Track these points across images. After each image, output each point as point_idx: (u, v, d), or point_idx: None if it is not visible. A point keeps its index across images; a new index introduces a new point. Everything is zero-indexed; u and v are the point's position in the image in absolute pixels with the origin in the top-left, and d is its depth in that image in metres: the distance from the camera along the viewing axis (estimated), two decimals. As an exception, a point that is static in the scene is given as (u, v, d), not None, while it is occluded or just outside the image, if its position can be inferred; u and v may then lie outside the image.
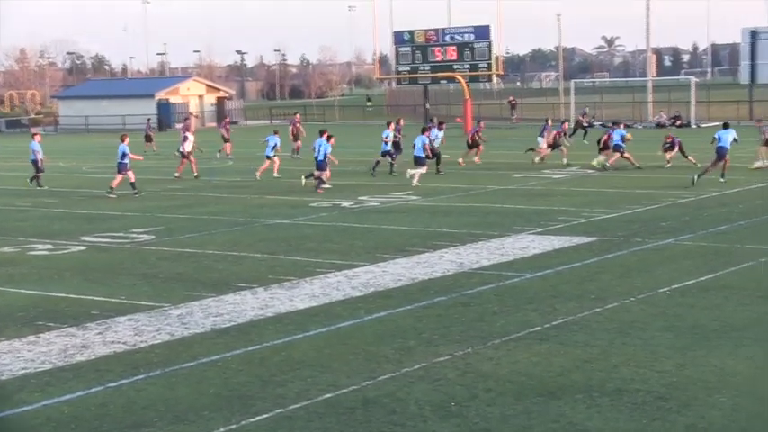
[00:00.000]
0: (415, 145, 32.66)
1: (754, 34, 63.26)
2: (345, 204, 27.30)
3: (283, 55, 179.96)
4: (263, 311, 14.54)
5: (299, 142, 45.37)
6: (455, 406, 10.20)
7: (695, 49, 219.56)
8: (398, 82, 75.36)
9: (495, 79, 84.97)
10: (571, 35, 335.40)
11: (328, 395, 10.62)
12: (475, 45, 66.75)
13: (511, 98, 78.27)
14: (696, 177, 28.81)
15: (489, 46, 66.46)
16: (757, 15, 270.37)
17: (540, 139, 39.24)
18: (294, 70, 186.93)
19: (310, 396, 10.59)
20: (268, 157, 35.84)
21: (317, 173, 30.89)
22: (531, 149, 39.61)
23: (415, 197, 28.64)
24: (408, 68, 69.78)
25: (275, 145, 36.11)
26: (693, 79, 71.49)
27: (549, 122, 40.95)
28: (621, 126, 36.62)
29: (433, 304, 14.83)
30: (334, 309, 14.68)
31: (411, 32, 69.78)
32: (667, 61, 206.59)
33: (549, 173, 34.54)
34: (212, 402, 10.47)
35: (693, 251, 18.54)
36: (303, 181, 31.56)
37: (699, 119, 64.11)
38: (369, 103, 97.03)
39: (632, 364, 11.43)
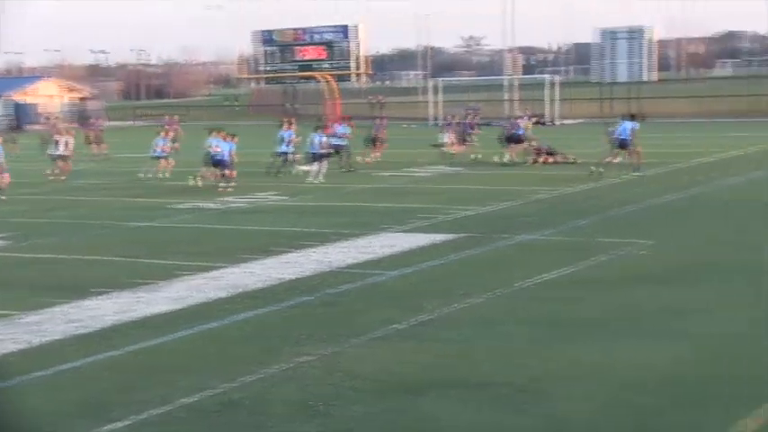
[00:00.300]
0: (310, 142, 32.82)
1: (609, 34, 64.89)
2: (211, 205, 27.02)
3: (147, 54, 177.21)
4: (124, 316, 14.24)
5: (177, 144, 44.28)
6: (321, 406, 10.18)
7: (556, 47, 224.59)
8: (265, 81, 75.05)
9: (361, 78, 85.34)
10: (436, 34, 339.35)
11: (192, 399, 10.47)
12: (340, 44, 66.99)
13: (378, 96, 78.74)
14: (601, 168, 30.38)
15: (355, 45, 66.79)
16: (613, 15, 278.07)
17: (442, 135, 39.27)
18: (156, 70, 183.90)
19: (173, 400, 10.42)
20: (159, 157, 35.22)
21: (227, 172, 30.68)
22: (439, 146, 39.35)
23: (281, 197, 28.52)
24: (274, 68, 69.55)
25: (162, 144, 35.62)
26: (557, 78, 73.20)
27: (451, 118, 41.31)
28: (525, 119, 37.34)
29: (299, 304, 14.79)
30: (199, 311, 14.49)
31: (276, 31, 69.57)
32: (529, 60, 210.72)
33: (417, 171, 34.84)
34: (70, 411, 10.21)
35: (553, 246, 18.93)
36: (199, 180, 31.18)
37: (559, 116, 65.60)
38: (236, 103, 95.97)
39: (494, 358, 11.61)
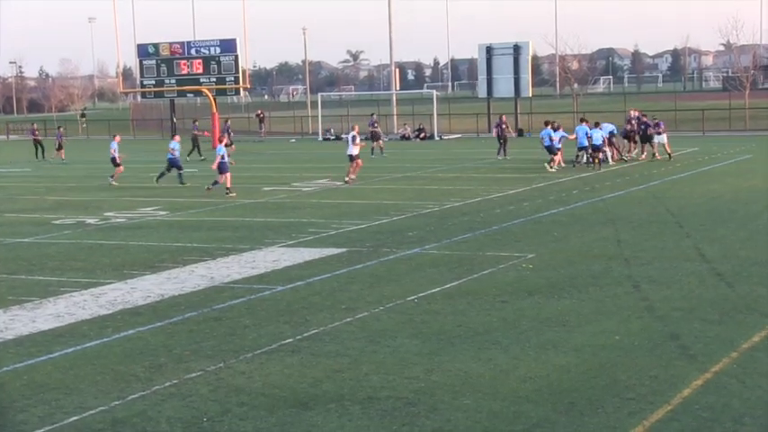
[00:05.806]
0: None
1: (489, 50, 65.78)
2: (91, 221, 26.50)
3: (20, 67, 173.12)
4: (2, 334, 13.88)
5: None
6: (207, 422, 10.08)
7: (436, 63, 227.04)
8: (143, 95, 74.11)
9: (242, 93, 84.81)
10: (317, 49, 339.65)
11: (75, 418, 10.27)
12: (221, 58, 66.54)
13: (259, 111, 78.31)
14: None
15: (236, 59, 66.40)
16: (492, 32, 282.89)
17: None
18: (32, 83, 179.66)
19: (55, 420, 10.20)
20: None
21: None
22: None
23: (163, 212, 28.16)
24: (153, 82, 68.68)
25: None
26: (435, 93, 73.78)
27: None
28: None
29: (183, 320, 14.62)
30: (81, 328, 14.21)
31: (155, 45, 68.70)
32: (410, 75, 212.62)
33: (299, 185, 34.77)
34: (-52, 433, 9.90)
35: (439, 260, 19.10)
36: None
37: (441, 131, 66.24)
38: (83, 119, 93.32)
39: (382, 371, 11.66)
